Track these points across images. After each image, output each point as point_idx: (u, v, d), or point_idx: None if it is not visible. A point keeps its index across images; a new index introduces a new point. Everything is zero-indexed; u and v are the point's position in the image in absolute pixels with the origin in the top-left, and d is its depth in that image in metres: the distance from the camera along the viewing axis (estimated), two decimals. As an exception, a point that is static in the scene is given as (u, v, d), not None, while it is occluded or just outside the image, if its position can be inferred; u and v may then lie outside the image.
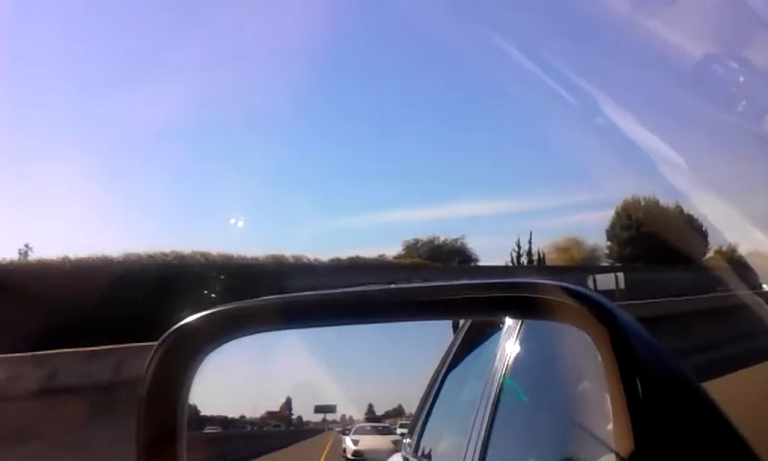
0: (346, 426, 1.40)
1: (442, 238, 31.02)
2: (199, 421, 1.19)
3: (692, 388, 0.71)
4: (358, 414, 1.37)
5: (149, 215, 30.21)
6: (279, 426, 1.37)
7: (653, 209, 33.20)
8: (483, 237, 43.68)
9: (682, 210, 29.54)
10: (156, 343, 0.84)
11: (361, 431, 1.41)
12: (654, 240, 29.84)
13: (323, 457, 1.48)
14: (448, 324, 1.31)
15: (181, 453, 0.83)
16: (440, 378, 1.46)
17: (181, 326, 0.85)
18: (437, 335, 1.32)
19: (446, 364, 1.44)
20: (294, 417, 1.36)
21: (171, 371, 0.83)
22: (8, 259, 16.43)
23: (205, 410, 1.21)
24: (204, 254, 19.70)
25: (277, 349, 1.11)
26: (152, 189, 30.62)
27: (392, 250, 29.84)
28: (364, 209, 38.84)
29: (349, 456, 1.45)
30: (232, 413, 1.36)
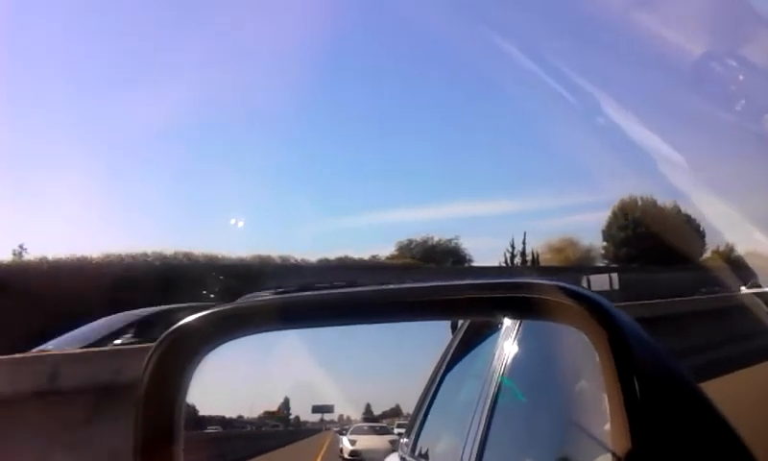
0: (343, 426, 1.40)
1: (435, 239, 30.95)
2: (197, 421, 1.20)
3: (690, 388, 0.72)
4: (356, 414, 1.37)
5: (147, 215, 30.03)
6: (278, 426, 1.38)
7: (650, 209, 33.03)
8: (479, 238, 43.68)
9: (679, 210, 29.46)
10: (153, 344, 0.85)
11: (358, 431, 1.41)
12: (650, 240, 29.72)
13: (319, 457, 1.48)
14: (447, 324, 1.32)
15: (178, 454, 0.83)
16: (438, 378, 1.46)
17: (180, 326, 0.85)
18: (435, 335, 1.32)
19: (445, 364, 1.44)
20: (291, 417, 1.36)
21: (169, 371, 0.83)
22: (-5, 260, 16.36)
23: (204, 410, 1.21)
24: (186, 255, 19.49)
25: (275, 349, 1.11)
26: (149, 189, 30.49)
27: (386, 250, 29.77)
28: (362, 209, 38.86)
29: (346, 456, 1.45)
30: (230, 413, 1.36)
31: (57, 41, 27.38)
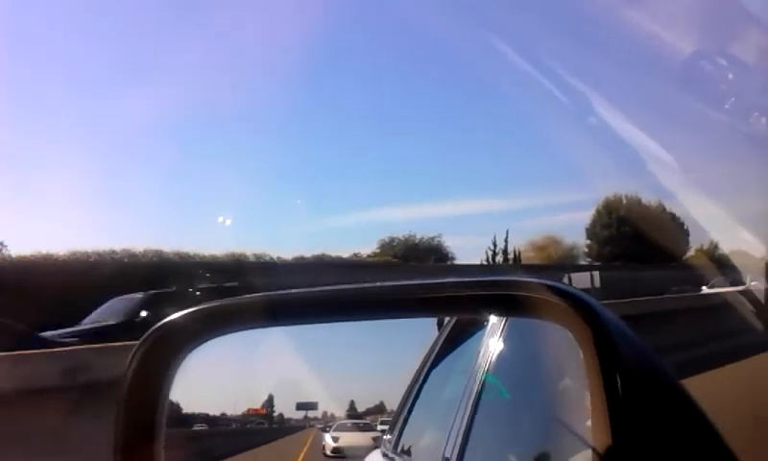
0: (327, 423, 1.40)
1: (418, 237, 31.03)
2: (181, 418, 1.19)
3: (673, 386, 0.72)
4: (339, 411, 1.38)
5: (136, 213, 30.09)
6: (263, 424, 1.38)
7: (634, 207, 33.19)
8: (464, 236, 43.80)
9: (664, 208, 29.69)
10: (137, 341, 0.84)
11: (341, 428, 1.42)
12: (634, 239, 29.92)
13: (302, 454, 1.48)
14: (433, 321, 1.32)
15: (159, 452, 0.83)
16: (422, 375, 1.47)
17: (164, 323, 0.85)
18: (421, 332, 1.33)
19: (430, 361, 1.44)
20: (275, 414, 1.36)
21: (152, 369, 0.83)
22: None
23: (188, 408, 1.21)
24: (157, 253, 19.18)
25: (260, 346, 1.11)
26: (139, 187, 30.19)
27: (370, 248, 29.65)
28: (351, 208, 38.83)
29: (329, 453, 1.45)
30: (215, 410, 1.36)
31: (49, 39, 27.17)
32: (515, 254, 32.28)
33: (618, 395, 0.68)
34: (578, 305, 0.74)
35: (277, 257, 22.90)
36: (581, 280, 19.50)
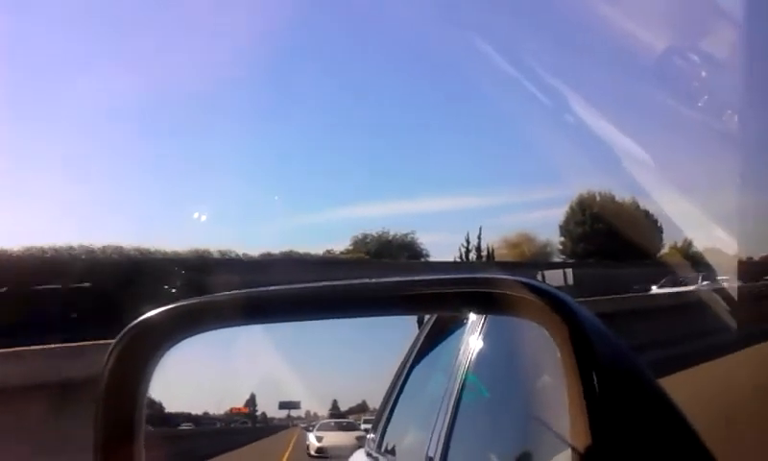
0: (310, 423, 1.39)
1: (391, 233, 30.90)
2: (164, 417, 1.18)
3: (648, 383, 0.73)
4: (322, 410, 1.37)
5: (95, 209, 29.18)
6: (247, 423, 1.36)
7: (608, 205, 33.33)
8: (438, 233, 43.81)
9: (638, 206, 29.96)
10: (114, 340, 0.82)
11: (325, 428, 1.41)
12: (608, 236, 30.08)
13: (286, 454, 1.47)
14: (413, 319, 1.32)
15: (139, 450, 0.82)
16: (404, 374, 1.46)
17: (141, 321, 0.83)
18: (402, 330, 1.32)
19: (411, 359, 1.44)
20: (258, 413, 1.35)
21: (130, 367, 0.82)
22: None
23: (171, 407, 1.19)
24: (116, 249, 18.68)
25: (240, 343, 1.09)
26: (99, 182, 29.35)
27: (342, 245, 29.31)
28: (326, 206, 38.58)
29: (313, 453, 1.44)
30: (197, 410, 1.35)
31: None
32: (488, 252, 32.16)
33: (595, 392, 0.68)
34: (554, 303, 0.74)
35: (243, 254, 22.46)
36: (554, 278, 19.68)
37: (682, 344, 8.30)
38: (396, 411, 1.45)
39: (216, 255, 21.39)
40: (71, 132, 28.23)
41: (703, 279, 18.00)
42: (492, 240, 33.15)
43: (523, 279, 0.78)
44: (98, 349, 3.39)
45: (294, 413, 1.36)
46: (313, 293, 0.91)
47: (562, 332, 0.72)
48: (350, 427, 1.45)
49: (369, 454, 1.45)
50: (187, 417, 1.32)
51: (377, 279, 0.89)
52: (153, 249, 19.56)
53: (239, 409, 1.36)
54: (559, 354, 0.73)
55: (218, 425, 1.38)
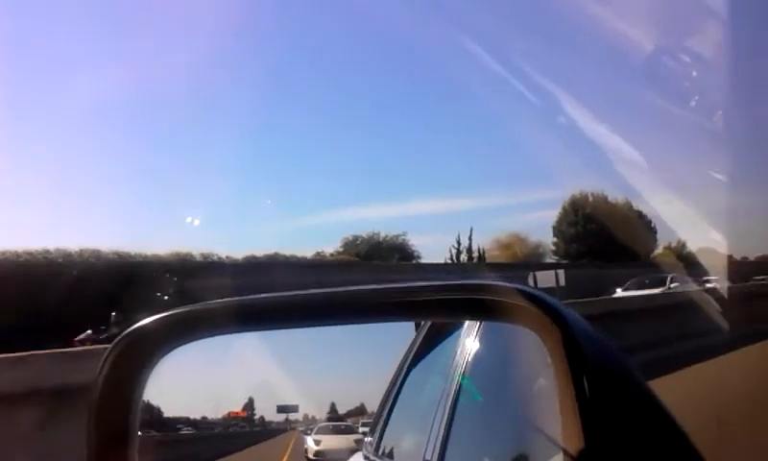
0: (308, 426, 1.38)
1: (382, 235, 30.57)
2: (163, 422, 1.17)
3: (639, 386, 0.72)
4: (320, 413, 1.36)
5: (71, 212, 28.04)
6: (245, 427, 1.36)
7: (601, 205, 33.05)
8: (430, 235, 43.59)
9: (631, 206, 29.83)
10: (109, 346, 0.82)
11: (323, 431, 1.40)
12: (601, 236, 29.84)
13: (285, 458, 1.46)
14: (410, 322, 1.31)
15: (133, 456, 0.81)
16: (401, 377, 1.46)
17: (136, 328, 0.83)
18: (399, 333, 1.32)
19: (408, 362, 1.43)
20: (256, 417, 1.34)
21: (124, 374, 0.81)
22: None
23: (169, 412, 1.19)
24: (94, 253, 18.05)
25: (238, 348, 1.09)
26: (75, 184, 28.53)
27: (333, 248, 28.92)
28: (319, 208, 38.41)
29: (311, 456, 1.43)
30: (195, 414, 1.34)
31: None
32: (479, 253, 31.87)
33: (586, 396, 0.68)
34: (545, 309, 0.74)
35: (227, 257, 21.85)
36: (546, 279, 19.17)
37: (667, 346, 8.26)
38: (393, 414, 1.44)
39: (198, 258, 20.80)
40: (49, 133, 27.53)
41: (672, 281, 17.49)
42: (483, 241, 32.88)
43: (515, 285, 0.78)
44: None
45: (292, 417, 1.35)
46: (307, 301, 0.90)
47: (552, 337, 0.72)
48: (349, 431, 1.44)
49: (366, 457, 1.45)
50: (186, 421, 1.31)
51: (370, 287, 0.89)
52: (133, 252, 19.04)
53: (237, 413, 1.35)
54: (550, 359, 0.73)
55: (217, 430, 1.37)
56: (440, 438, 1.12)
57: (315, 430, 1.39)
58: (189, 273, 15.68)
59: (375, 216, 34.01)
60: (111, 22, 27.13)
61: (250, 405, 1.33)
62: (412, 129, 39.69)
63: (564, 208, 34.90)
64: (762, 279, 19.44)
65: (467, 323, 1.14)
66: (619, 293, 17.27)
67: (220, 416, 1.36)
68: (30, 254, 16.62)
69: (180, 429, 1.28)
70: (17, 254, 16.40)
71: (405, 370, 1.45)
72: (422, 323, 1.34)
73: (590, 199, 33.96)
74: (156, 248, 20.11)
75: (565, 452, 0.70)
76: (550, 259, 33.85)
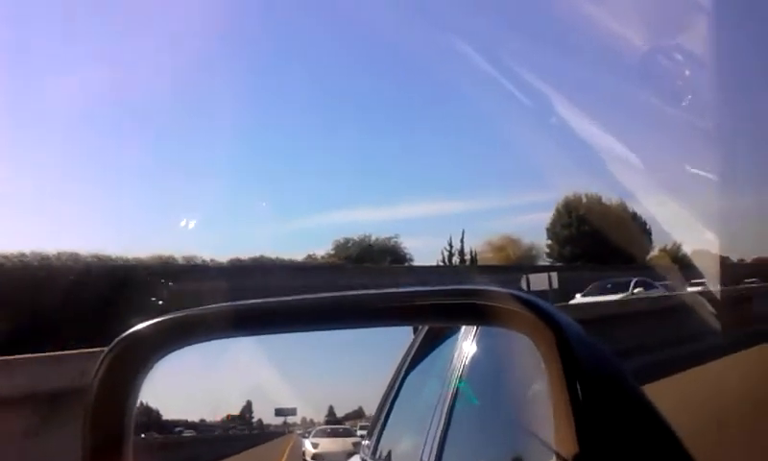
0: (306, 429, 1.38)
1: (374, 237, 30.10)
2: (161, 425, 1.17)
3: (632, 390, 0.72)
4: (319, 416, 1.35)
5: (47, 215, 26.91)
6: (245, 430, 1.35)
7: (595, 207, 32.60)
8: (423, 237, 43.25)
9: (625, 208, 29.59)
10: (104, 349, 0.81)
11: (321, 434, 1.39)
12: (595, 238, 29.50)
13: None
14: (408, 327, 1.30)
15: (127, 460, 0.80)
16: (399, 380, 1.45)
17: (131, 333, 0.83)
18: (397, 336, 1.31)
19: (406, 365, 1.43)
20: (254, 420, 1.33)
21: (119, 378, 0.81)
22: None
23: (167, 415, 1.18)
24: (72, 256, 17.46)
25: (236, 351, 1.08)
26: (52, 186, 27.46)
27: (325, 250, 28.49)
28: (312, 211, 38.15)
29: (309, 459, 1.42)
30: (193, 417, 1.33)
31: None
32: (471, 255, 31.54)
33: (579, 402, 0.67)
34: (539, 314, 0.74)
35: (211, 260, 21.11)
36: (538, 281, 18.61)
37: (654, 352, 8.18)
38: (391, 417, 1.43)
39: (181, 262, 20.13)
40: (27, 135, 26.81)
41: (637, 286, 16.37)
42: (476, 244, 32.53)
43: (509, 291, 0.77)
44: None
45: (290, 420, 1.34)
46: (304, 306, 0.90)
47: (546, 342, 0.72)
48: (346, 434, 1.43)
49: (363, 460, 1.44)
50: (185, 424, 1.31)
51: (367, 291, 0.88)
52: (113, 255, 18.43)
53: (235, 416, 1.34)
54: (544, 364, 0.72)
55: (216, 433, 1.37)
56: (436, 441, 1.12)
57: (313, 433, 1.39)
58: (172, 276, 15.17)
59: (368, 219, 33.84)
60: (97, 24, 26.75)
61: (248, 408, 1.33)
62: (404, 131, 39.52)
63: (557, 210, 34.58)
64: (753, 282, 19.08)
65: (463, 327, 1.14)
66: (578, 299, 16.48)
67: (218, 419, 1.35)
68: (5, 257, 16.20)
69: (181, 432, 1.28)
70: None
71: (403, 373, 1.44)
72: (420, 327, 1.33)
73: (584, 200, 33.62)
74: (138, 251, 19.55)
75: (559, 456, 0.69)
76: (543, 262, 33.38)
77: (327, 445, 1.41)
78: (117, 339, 0.82)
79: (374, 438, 1.43)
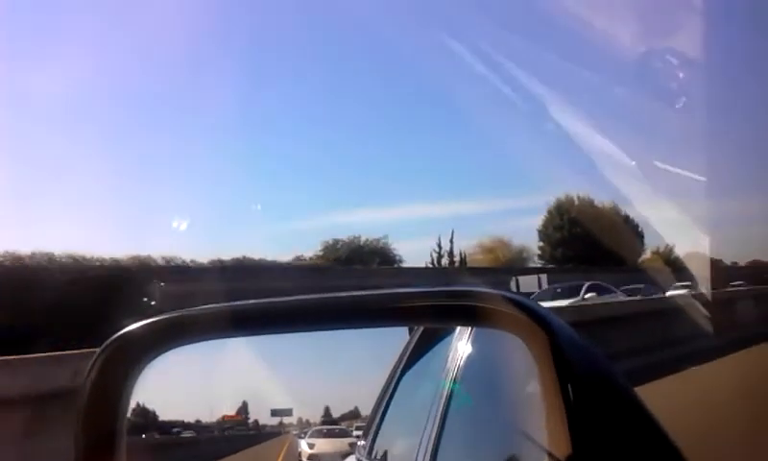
0: (302, 429, 1.37)
1: (363, 239, 29.75)
2: (158, 425, 1.16)
3: (624, 391, 0.72)
4: (315, 417, 1.35)
5: (20, 215, 26.09)
6: (241, 430, 1.34)
7: (587, 209, 32.35)
8: (415, 239, 42.82)
9: (618, 210, 29.49)
10: (97, 350, 0.80)
11: (317, 434, 1.39)
12: (587, 240, 29.25)
13: (278, 461, 1.45)
14: (403, 328, 1.30)
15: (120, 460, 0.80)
16: (394, 381, 1.45)
17: (123, 333, 0.82)
18: (393, 337, 1.31)
19: (401, 366, 1.42)
20: (251, 421, 1.33)
21: (112, 379, 0.80)
22: None
23: (164, 416, 1.18)
24: (46, 256, 17.00)
25: (232, 352, 1.08)
26: (24, 186, 26.90)
27: (314, 252, 28.12)
28: (304, 213, 37.90)
29: (305, 460, 1.41)
30: (189, 418, 1.32)
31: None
32: (460, 257, 31.14)
33: (571, 404, 0.67)
34: (531, 316, 0.74)
35: (191, 261, 20.63)
36: (528, 283, 18.44)
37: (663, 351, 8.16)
38: (386, 417, 1.43)
39: (160, 262, 19.67)
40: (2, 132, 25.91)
41: (589, 291, 15.25)
42: (467, 245, 32.19)
43: (501, 292, 0.77)
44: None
45: (286, 420, 1.34)
46: (298, 307, 0.89)
47: (538, 344, 0.72)
48: (342, 434, 1.43)
49: (359, 460, 1.43)
50: (182, 424, 1.30)
51: (360, 293, 0.88)
52: (88, 255, 17.97)
53: (231, 417, 1.34)
54: (536, 366, 0.72)
55: (213, 433, 1.36)
56: (431, 442, 1.12)
57: (309, 434, 1.38)
58: (150, 278, 14.91)
59: (360, 220, 33.62)
60: (84, 20, 26.32)
61: (244, 409, 1.32)
62: (395, 132, 39.37)
63: (549, 212, 34.34)
64: (739, 285, 18.67)
65: (458, 328, 1.13)
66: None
67: (214, 419, 1.34)
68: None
69: (180, 433, 1.28)
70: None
71: (398, 374, 1.44)
72: (415, 328, 1.33)
73: (576, 202, 33.41)
74: (115, 251, 19.05)
75: (552, 457, 0.69)
76: (534, 264, 32.99)
77: (323, 445, 1.40)
78: (109, 340, 0.81)
79: (370, 438, 1.43)
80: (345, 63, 37.25)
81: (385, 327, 1.00)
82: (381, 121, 39.04)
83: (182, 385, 1.18)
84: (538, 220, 34.95)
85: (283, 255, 26.04)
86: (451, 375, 1.15)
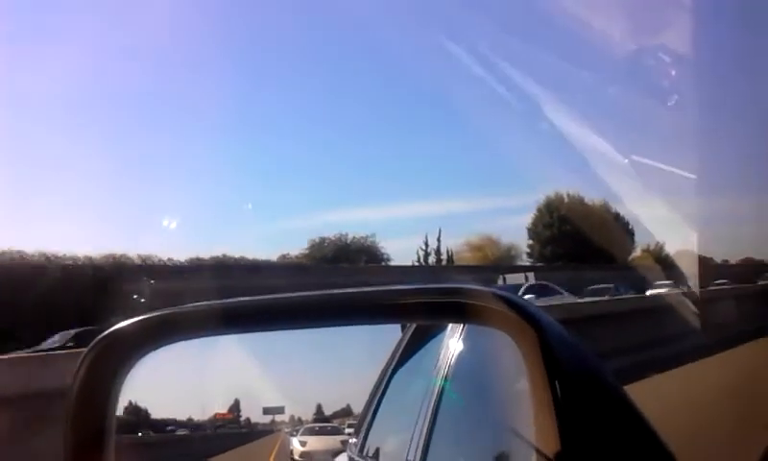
0: (294, 427, 1.36)
1: (350, 237, 29.64)
2: (150, 423, 1.16)
3: (613, 388, 0.72)
4: (307, 415, 1.34)
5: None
6: (233, 428, 1.33)
7: (577, 207, 32.22)
8: (403, 237, 42.61)
9: (608, 208, 29.50)
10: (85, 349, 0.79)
11: (309, 432, 1.38)
12: (577, 238, 29.19)
13: (271, 459, 1.44)
14: (395, 325, 1.29)
15: (109, 459, 0.79)
16: (386, 378, 1.44)
17: (112, 331, 0.81)
18: (385, 335, 1.30)
19: (393, 364, 1.42)
20: (242, 419, 1.32)
21: (99, 377, 0.79)
22: None
23: (156, 413, 1.17)
24: (18, 254, 16.83)
25: (224, 350, 1.07)
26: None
27: (300, 250, 28.03)
28: (292, 212, 37.72)
29: (297, 457, 1.41)
30: (181, 416, 1.32)
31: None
32: (447, 255, 31.06)
33: (560, 401, 0.67)
34: (521, 313, 0.73)
35: (168, 259, 20.56)
36: (515, 281, 18.02)
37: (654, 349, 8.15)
38: (378, 415, 1.43)
39: (136, 261, 19.51)
40: None
41: (530, 291, 14.75)
42: (455, 243, 32.11)
43: (491, 289, 0.76)
44: None
45: (278, 418, 1.33)
46: (290, 304, 0.89)
47: (527, 341, 0.72)
48: (334, 432, 1.42)
49: (351, 458, 1.43)
50: (174, 422, 1.29)
51: (352, 290, 0.88)
52: (61, 253, 17.76)
53: (223, 415, 1.33)
54: (526, 363, 0.72)
55: (206, 431, 1.35)
56: (422, 439, 1.11)
57: (301, 431, 1.38)
58: (123, 276, 14.66)
59: (350, 219, 33.23)
60: (84, 20, 26.08)
61: (236, 407, 1.31)
62: (386, 132, 39.25)
63: (538, 210, 34.26)
64: (723, 284, 18.66)
65: (450, 326, 1.13)
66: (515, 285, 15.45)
67: (206, 418, 1.33)
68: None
69: (173, 431, 1.27)
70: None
71: (390, 372, 1.43)
72: (408, 325, 1.32)
73: (566, 200, 33.32)
74: (90, 250, 18.93)
75: (541, 453, 0.69)
76: (523, 262, 32.91)
77: (315, 443, 1.40)
78: (98, 338, 0.80)
79: (362, 436, 1.42)
80: (337, 63, 37.22)
81: (376, 324, 1.00)
82: (372, 121, 38.99)
83: (174, 383, 1.17)
84: (528, 218, 34.94)
85: (273, 254, 25.95)
86: (443, 372, 1.15)
